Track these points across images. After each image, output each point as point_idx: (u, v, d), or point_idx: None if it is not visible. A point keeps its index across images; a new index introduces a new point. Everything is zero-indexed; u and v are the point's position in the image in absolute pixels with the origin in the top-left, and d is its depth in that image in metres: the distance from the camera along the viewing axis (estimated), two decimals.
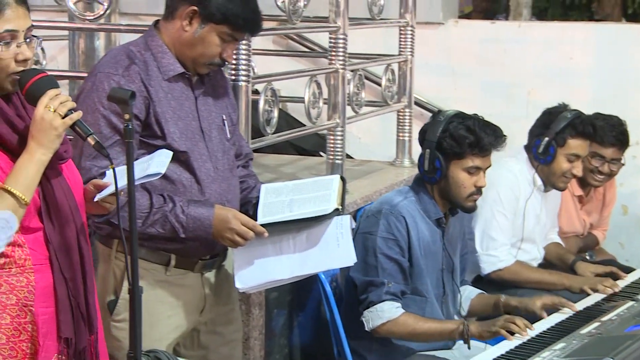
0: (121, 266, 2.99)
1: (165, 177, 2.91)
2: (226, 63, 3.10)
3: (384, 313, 3.49)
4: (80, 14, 3.93)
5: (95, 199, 2.48)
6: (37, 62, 5.05)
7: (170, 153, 2.61)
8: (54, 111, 2.33)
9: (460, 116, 3.60)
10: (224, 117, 3.14)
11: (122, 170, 2.47)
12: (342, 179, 3.18)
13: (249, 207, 3.17)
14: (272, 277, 3.09)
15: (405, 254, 3.55)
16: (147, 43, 3.02)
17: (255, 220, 3.02)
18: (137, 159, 2.77)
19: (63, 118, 2.34)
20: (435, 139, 3.56)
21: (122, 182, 2.41)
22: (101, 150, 2.39)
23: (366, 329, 3.52)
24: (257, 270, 3.07)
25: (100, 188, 2.50)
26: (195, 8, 2.94)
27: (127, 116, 2.38)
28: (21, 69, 2.36)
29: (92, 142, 2.38)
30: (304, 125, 5.06)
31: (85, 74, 4.23)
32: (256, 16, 3.02)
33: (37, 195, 2.36)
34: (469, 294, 3.81)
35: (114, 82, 2.89)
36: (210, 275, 3.16)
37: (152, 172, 2.50)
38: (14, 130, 2.36)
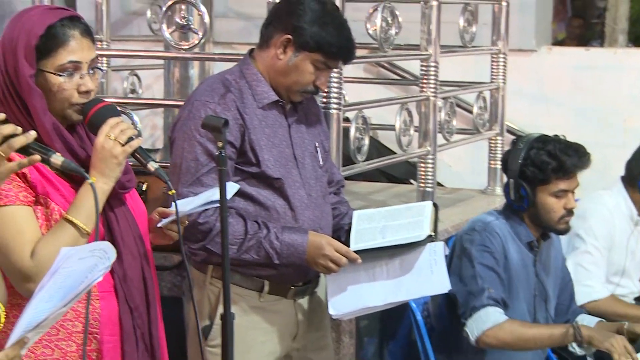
0: (215, 292, 3.02)
1: (259, 203, 2.95)
2: (320, 91, 3.11)
3: (489, 317, 3.38)
4: (175, 44, 3.99)
5: (159, 225, 2.51)
6: (133, 91, 5.17)
7: (237, 187, 2.62)
8: (115, 139, 2.35)
9: (540, 140, 3.53)
10: (317, 145, 3.15)
11: (186, 199, 2.53)
12: (435, 205, 3.16)
13: (341, 233, 3.17)
14: (365, 304, 3.07)
15: (501, 265, 3.48)
16: (242, 71, 3.05)
17: (348, 246, 3.02)
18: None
19: (123, 146, 2.37)
20: (517, 167, 3.51)
21: (185, 209, 2.44)
22: (161, 176, 2.40)
23: (471, 340, 3.40)
24: (350, 297, 3.06)
25: (165, 216, 2.51)
26: (290, 36, 2.97)
27: (220, 144, 2.40)
28: (84, 100, 2.39)
29: (152, 169, 2.38)
30: (395, 153, 5.05)
31: (180, 102, 4.30)
32: (350, 44, 3.03)
33: (101, 224, 2.38)
34: (587, 323, 3.69)
35: (210, 110, 2.92)
36: (303, 301, 3.15)
37: (214, 199, 2.50)
38: (77, 160, 2.37)
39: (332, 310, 3.05)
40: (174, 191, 2.26)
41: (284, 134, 3.05)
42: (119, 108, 2.51)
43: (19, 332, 1.83)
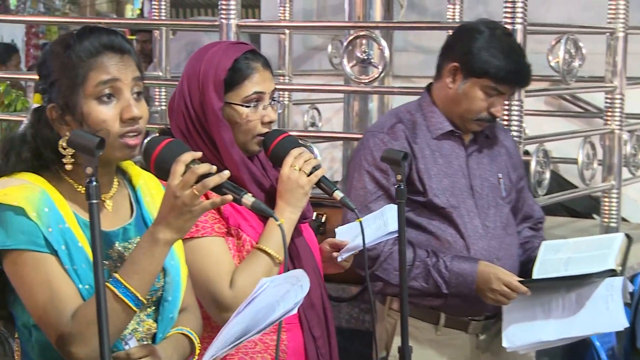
0: (392, 323, 3.02)
1: (430, 233, 2.96)
2: (496, 118, 3.07)
3: None
4: (355, 77, 4.04)
5: (340, 259, 2.52)
6: (313, 124, 5.25)
7: (395, 207, 2.62)
8: (300, 170, 2.39)
9: None
10: (500, 176, 3.11)
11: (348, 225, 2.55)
12: (628, 237, 3.05)
13: (531, 265, 3.10)
14: (539, 338, 3.00)
15: None
16: (420, 104, 3.08)
17: (530, 276, 2.95)
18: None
19: (308, 176, 2.40)
20: None
21: (357, 237, 2.44)
22: (347, 205, 2.42)
23: None
24: (525, 330, 2.99)
25: (335, 246, 2.54)
26: (457, 64, 2.96)
27: (399, 177, 2.40)
28: (266, 130, 2.45)
29: (338, 198, 2.42)
30: (576, 187, 4.91)
31: (359, 135, 4.36)
32: (519, 67, 2.98)
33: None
34: None
35: (379, 140, 2.96)
36: (486, 338, 3.09)
37: (393, 230, 2.51)
38: (262, 190, 2.43)
39: (506, 343, 3.00)
40: (282, 220, 2.23)
41: (460, 164, 3.03)
42: (299, 141, 2.56)
43: (212, 353, 1.88)
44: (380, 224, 2.56)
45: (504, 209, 3.10)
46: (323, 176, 2.43)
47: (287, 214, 2.38)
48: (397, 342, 2.86)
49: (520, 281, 2.91)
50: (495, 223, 3.05)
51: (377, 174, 2.94)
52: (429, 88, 3.11)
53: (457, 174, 3.02)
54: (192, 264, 2.27)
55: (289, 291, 1.94)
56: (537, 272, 2.98)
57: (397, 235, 2.51)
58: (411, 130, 3.00)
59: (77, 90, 1.99)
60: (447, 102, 3.01)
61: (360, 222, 2.42)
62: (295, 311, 1.98)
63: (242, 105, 2.41)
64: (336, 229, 2.68)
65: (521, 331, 3.00)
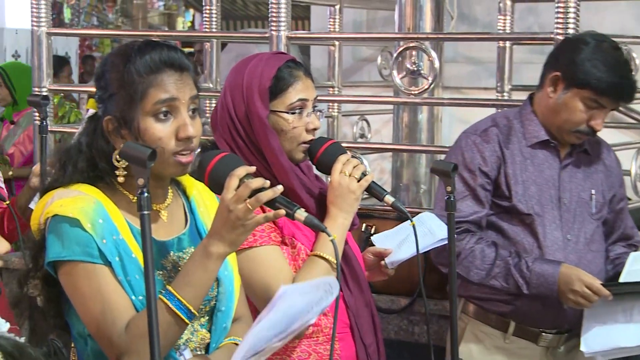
0: (462, 327, 3.02)
1: (509, 238, 2.96)
2: (595, 132, 3.00)
3: None
4: (405, 89, 4.03)
5: (391, 267, 2.53)
6: (362, 136, 5.24)
7: (433, 216, 2.61)
8: (349, 175, 2.40)
9: None
10: (593, 192, 3.07)
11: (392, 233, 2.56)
12: None
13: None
14: (618, 344, 2.97)
15: None
16: (520, 111, 3.08)
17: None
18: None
19: (359, 181, 2.40)
20: None
21: (403, 245, 2.46)
22: (399, 209, 2.42)
23: None
24: (604, 335, 2.96)
25: (379, 255, 2.55)
26: (558, 73, 2.94)
27: (448, 188, 2.40)
28: (310, 137, 2.46)
29: (389, 202, 2.42)
30: (630, 199, 4.84)
31: (409, 147, 4.34)
32: (622, 81, 2.93)
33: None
34: None
35: (470, 141, 2.99)
36: (559, 352, 3.06)
37: (443, 237, 2.52)
38: (311, 197, 2.45)
39: (584, 347, 2.96)
40: (335, 236, 2.18)
41: (552, 175, 3.01)
42: (349, 153, 2.56)
43: (239, 356, 1.87)
44: (425, 231, 2.56)
45: (590, 225, 3.06)
46: (373, 181, 2.44)
47: (340, 220, 2.40)
48: (464, 346, 2.87)
49: (602, 284, 2.88)
50: (577, 237, 3.02)
51: (465, 174, 2.96)
52: (531, 97, 3.09)
53: (547, 183, 3.01)
54: (250, 273, 2.29)
55: (322, 299, 1.93)
56: (624, 280, 2.94)
57: (444, 242, 2.52)
58: (505, 136, 3.00)
59: (134, 106, 2.01)
60: (547, 112, 3.00)
61: (414, 226, 2.42)
62: (313, 320, 1.96)
63: (287, 113, 2.43)
64: (373, 237, 2.68)
65: (601, 336, 2.96)
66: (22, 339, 1.77)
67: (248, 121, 2.42)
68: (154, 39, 2.10)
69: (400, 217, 2.69)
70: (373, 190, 2.44)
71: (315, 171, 2.58)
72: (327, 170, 2.45)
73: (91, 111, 2.15)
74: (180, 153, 2.02)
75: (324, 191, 2.50)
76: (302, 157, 2.47)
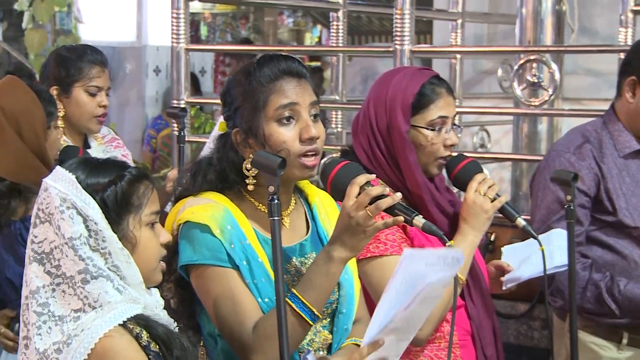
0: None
1: (617, 252, 2.84)
2: None
3: None
4: (525, 100, 3.96)
5: (505, 287, 2.48)
6: (482, 145, 5.18)
7: (564, 232, 2.53)
8: (484, 195, 2.36)
9: None
10: None
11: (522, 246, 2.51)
12: None
13: None
14: None
15: None
16: (605, 122, 2.95)
17: None
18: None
19: (492, 201, 2.36)
20: None
21: (524, 263, 2.42)
22: (530, 233, 2.38)
23: None
24: None
25: (500, 269, 2.51)
26: (634, 77, 2.84)
27: (568, 197, 2.34)
28: (447, 153, 2.43)
29: (520, 225, 2.38)
30: None
31: (528, 157, 4.27)
32: None
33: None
34: None
35: (565, 160, 2.86)
36: None
37: (559, 265, 2.46)
38: (442, 213, 2.42)
39: None
40: (452, 242, 2.19)
41: None
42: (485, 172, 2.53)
43: (372, 334, 1.88)
44: (548, 253, 2.49)
45: None
46: (506, 202, 2.40)
47: (470, 238, 2.38)
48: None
49: None
50: None
51: (561, 194, 2.85)
52: (612, 106, 3.00)
53: None
54: (379, 280, 2.29)
55: (443, 270, 1.88)
56: None
57: (563, 269, 2.45)
58: (598, 150, 2.88)
59: (258, 114, 2.04)
60: (630, 118, 2.89)
61: (542, 251, 2.38)
62: (429, 289, 1.90)
63: (427, 129, 2.41)
64: (503, 248, 2.63)
65: None
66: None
67: (388, 134, 2.41)
68: (272, 53, 2.13)
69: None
70: (505, 212, 2.41)
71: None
72: (463, 187, 2.43)
73: (217, 131, 2.19)
74: (305, 155, 2.04)
75: (454, 203, 2.48)
76: (437, 171, 2.45)
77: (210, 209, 2.04)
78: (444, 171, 2.51)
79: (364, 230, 1.93)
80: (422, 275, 1.85)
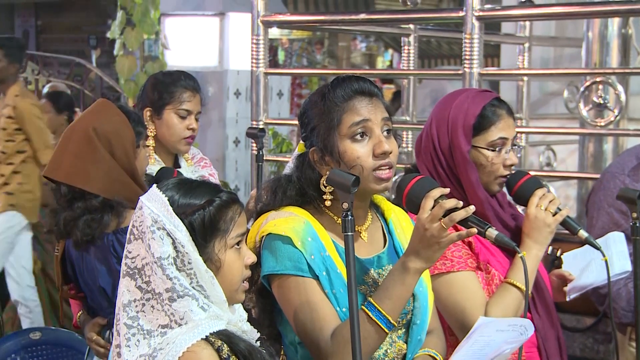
0: (634, 353, 2.86)
1: None
2: None
3: None
4: (591, 121, 3.91)
5: (568, 299, 2.46)
6: (548, 164, 5.12)
7: (622, 235, 2.48)
8: (545, 209, 2.33)
9: None
10: None
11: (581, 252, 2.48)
12: None
13: None
14: None
15: None
16: None
17: None
18: None
19: (554, 215, 2.33)
20: None
21: (585, 271, 2.37)
22: (593, 244, 2.34)
23: None
24: None
25: (562, 277, 2.47)
26: None
27: (634, 215, 2.30)
28: (507, 173, 2.40)
29: (583, 237, 2.34)
30: None
31: (593, 175, 4.20)
32: None
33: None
34: None
35: (619, 182, 2.83)
36: None
37: (620, 272, 2.45)
38: (505, 227, 2.39)
39: None
40: (524, 253, 2.17)
41: None
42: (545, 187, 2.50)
43: None
44: (617, 255, 2.45)
45: None
46: (567, 216, 2.37)
47: (534, 251, 2.35)
48: None
49: None
50: None
51: (616, 215, 2.81)
52: None
53: None
54: (447, 296, 2.28)
55: (515, 338, 1.91)
56: None
57: (623, 276, 2.41)
58: None
59: (333, 133, 2.05)
60: None
61: (606, 262, 2.35)
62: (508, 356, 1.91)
63: (487, 149, 2.39)
64: (563, 255, 2.59)
65: None
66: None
67: (450, 153, 2.40)
68: (345, 75, 2.15)
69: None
70: (567, 225, 2.38)
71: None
72: (524, 202, 2.40)
73: (296, 152, 2.21)
74: (379, 168, 2.05)
75: (515, 216, 2.45)
76: (498, 189, 2.43)
77: (292, 222, 2.06)
78: (504, 187, 2.49)
79: (438, 242, 1.92)
80: (493, 341, 1.87)
